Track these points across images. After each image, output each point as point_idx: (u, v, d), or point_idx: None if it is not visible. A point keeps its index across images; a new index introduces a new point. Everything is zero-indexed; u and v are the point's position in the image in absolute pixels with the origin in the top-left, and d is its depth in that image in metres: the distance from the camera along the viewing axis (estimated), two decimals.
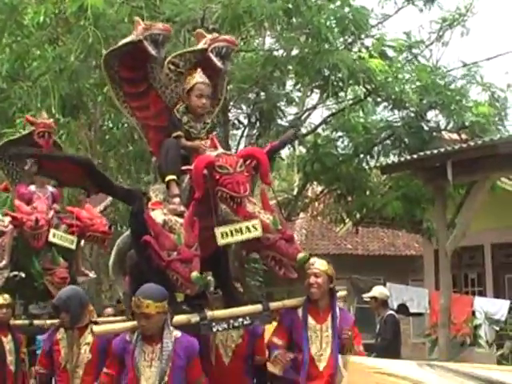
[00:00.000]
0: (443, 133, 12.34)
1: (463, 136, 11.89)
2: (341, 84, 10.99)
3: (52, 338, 5.39)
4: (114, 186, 5.54)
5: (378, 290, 9.12)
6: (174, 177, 5.30)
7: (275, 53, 11.75)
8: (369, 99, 12.04)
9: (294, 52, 11.43)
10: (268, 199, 5.33)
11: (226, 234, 4.96)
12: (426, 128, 11.92)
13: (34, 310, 7.01)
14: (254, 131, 12.45)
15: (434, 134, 11.97)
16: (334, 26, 10.95)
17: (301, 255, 5.00)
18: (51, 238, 7.04)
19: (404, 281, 15.58)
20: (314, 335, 5.21)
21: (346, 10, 11.02)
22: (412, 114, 11.87)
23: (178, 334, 4.76)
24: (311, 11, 10.55)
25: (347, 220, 13.94)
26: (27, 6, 10.68)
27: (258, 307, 5.16)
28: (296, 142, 12.96)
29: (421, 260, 15.84)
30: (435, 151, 10.14)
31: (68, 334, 5.28)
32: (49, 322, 5.89)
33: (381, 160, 12.26)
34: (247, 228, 4.96)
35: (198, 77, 5.56)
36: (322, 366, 5.19)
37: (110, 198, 7.36)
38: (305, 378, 5.14)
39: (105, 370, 4.88)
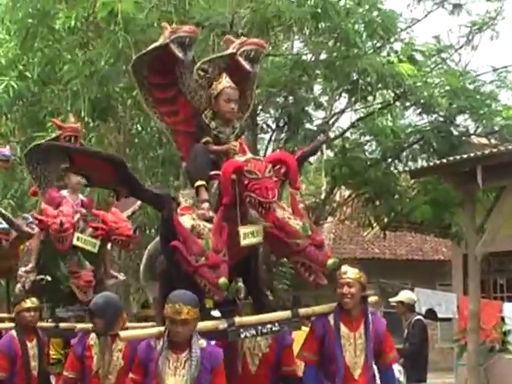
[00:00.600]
0: (472, 137, 12.28)
1: (492, 141, 11.81)
2: (369, 88, 10.99)
3: (83, 343, 5.37)
4: (143, 190, 5.45)
5: (405, 295, 9.06)
6: (202, 182, 5.29)
7: (303, 57, 11.78)
8: (397, 103, 12.02)
9: (323, 56, 11.46)
10: (298, 204, 5.29)
11: (249, 235, 4.93)
12: (455, 132, 11.87)
13: (60, 314, 7.02)
14: (282, 135, 12.46)
15: (463, 138, 11.90)
16: (362, 30, 10.97)
17: (331, 261, 4.93)
18: (75, 242, 7.03)
19: (431, 285, 15.49)
20: (347, 343, 5.13)
21: (375, 13, 11.03)
22: (441, 119, 11.84)
23: (203, 342, 4.70)
24: (339, 15, 10.55)
25: (375, 224, 13.89)
26: (58, 11, 10.77)
27: (287, 313, 5.11)
28: (324, 146, 12.95)
29: (448, 265, 15.73)
30: (465, 156, 10.09)
31: (100, 341, 5.26)
32: (79, 326, 5.88)
33: (409, 164, 12.21)
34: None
35: (225, 82, 5.51)
36: (357, 373, 5.13)
37: (138, 203, 7.35)
38: None
39: (131, 375, 4.81)
